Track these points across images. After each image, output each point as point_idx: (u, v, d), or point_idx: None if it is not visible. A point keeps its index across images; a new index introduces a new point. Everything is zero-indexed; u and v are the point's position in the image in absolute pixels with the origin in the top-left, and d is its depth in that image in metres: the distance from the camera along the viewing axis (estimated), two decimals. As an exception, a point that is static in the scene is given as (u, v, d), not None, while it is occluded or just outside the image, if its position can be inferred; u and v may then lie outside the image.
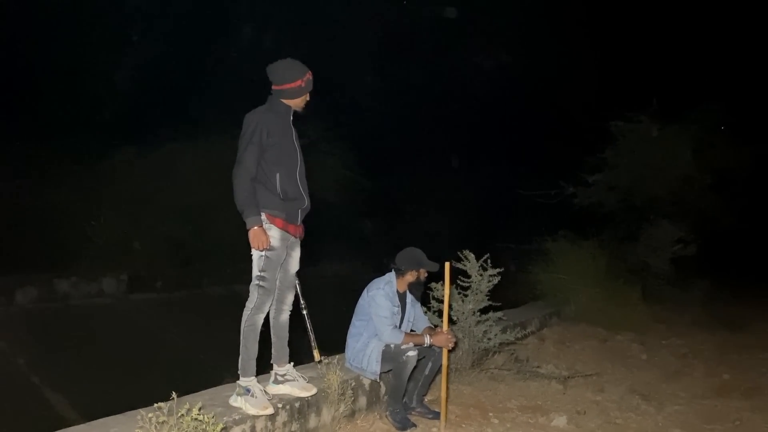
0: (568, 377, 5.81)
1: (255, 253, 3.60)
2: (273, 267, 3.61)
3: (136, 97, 16.29)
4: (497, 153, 20.76)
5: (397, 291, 4.40)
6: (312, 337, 4.02)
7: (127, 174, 13.83)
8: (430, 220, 17.60)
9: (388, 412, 4.29)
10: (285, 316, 3.85)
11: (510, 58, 20.28)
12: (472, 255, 5.49)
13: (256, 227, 3.48)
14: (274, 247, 3.58)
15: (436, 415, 4.39)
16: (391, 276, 4.42)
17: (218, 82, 17.60)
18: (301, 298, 3.91)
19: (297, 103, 3.74)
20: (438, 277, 4.79)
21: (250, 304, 3.61)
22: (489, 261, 5.49)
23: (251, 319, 3.61)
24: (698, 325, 9.07)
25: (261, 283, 3.59)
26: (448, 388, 4.33)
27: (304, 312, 3.94)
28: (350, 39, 20.45)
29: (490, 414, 4.73)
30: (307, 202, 3.72)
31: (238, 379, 3.61)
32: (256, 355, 3.63)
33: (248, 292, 3.63)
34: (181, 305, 12.40)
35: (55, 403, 8.59)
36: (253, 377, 3.59)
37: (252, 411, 3.43)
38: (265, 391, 3.64)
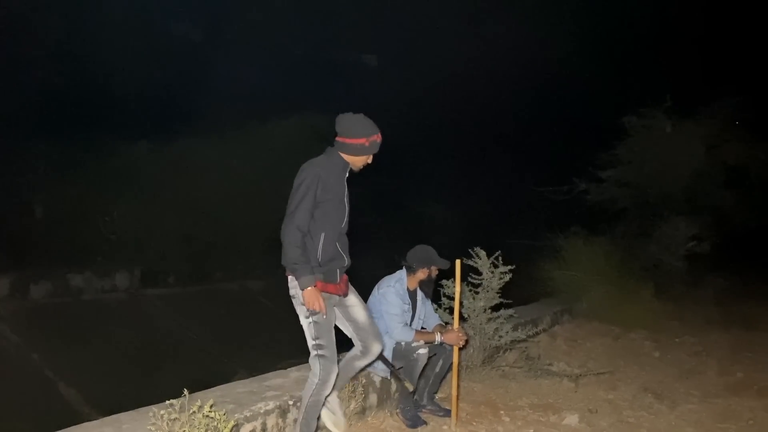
0: (580, 375, 5.78)
1: (303, 322, 3.38)
2: (326, 330, 3.36)
3: (150, 93, 16.37)
4: (509, 149, 20.66)
5: (408, 288, 4.40)
6: (393, 370, 3.97)
7: (141, 169, 13.91)
8: (441, 217, 17.56)
9: (398, 410, 4.29)
10: (361, 363, 3.64)
11: (521, 54, 20.15)
12: (484, 252, 5.47)
13: (310, 288, 3.23)
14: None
15: (447, 413, 4.38)
16: (402, 273, 4.42)
17: (232, 78, 17.64)
18: None
19: (355, 162, 3.50)
20: (449, 274, 4.78)
21: (314, 378, 3.33)
22: (500, 258, 5.46)
23: (317, 395, 3.35)
24: (712, 323, 8.98)
25: (320, 352, 3.32)
26: (459, 385, 4.31)
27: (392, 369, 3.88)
28: (358, 31, 20.46)
29: (501, 412, 4.71)
30: (347, 260, 3.50)
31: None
32: None
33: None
34: (193, 300, 12.47)
35: (68, 397, 8.68)
36: None
37: None
38: None
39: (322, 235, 3.35)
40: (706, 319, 9.22)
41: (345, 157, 3.47)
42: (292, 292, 3.39)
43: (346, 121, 3.47)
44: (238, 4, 20.01)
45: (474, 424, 4.41)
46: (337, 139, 3.49)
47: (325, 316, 3.33)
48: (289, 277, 3.38)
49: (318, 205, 3.32)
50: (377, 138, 3.47)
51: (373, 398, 4.37)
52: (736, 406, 5.27)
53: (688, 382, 5.99)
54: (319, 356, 3.32)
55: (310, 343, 3.35)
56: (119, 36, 16.28)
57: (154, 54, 16.97)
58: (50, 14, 15.54)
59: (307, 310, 3.28)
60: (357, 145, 3.44)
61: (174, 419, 2.87)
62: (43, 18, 15.52)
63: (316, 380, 3.32)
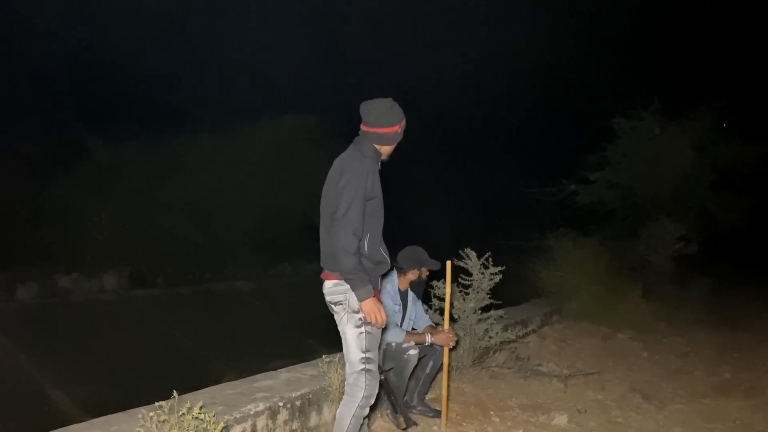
0: (569, 376, 5.80)
1: (352, 332, 3.04)
2: (376, 343, 3.10)
3: (138, 93, 16.30)
4: (498, 150, 20.73)
5: (399, 289, 4.40)
6: (394, 404, 3.80)
7: (129, 169, 13.83)
8: (431, 218, 17.56)
9: (388, 411, 4.29)
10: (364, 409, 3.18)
11: (511, 56, 20.23)
12: (474, 253, 5.48)
13: (369, 299, 2.92)
14: None
15: (437, 414, 4.39)
16: (392, 274, 4.41)
17: (221, 78, 17.60)
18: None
19: (387, 151, 3.21)
20: (439, 275, 4.79)
21: (357, 394, 3.04)
22: (490, 259, 5.47)
23: (361, 411, 3.08)
24: (699, 324, 9.06)
25: (368, 366, 3.03)
26: (449, 386, 4.32)
27: (382, 377, 3.45)
28: (350, 30, 20.46)
29: (491, 412, 4.73)
30: (390, 265, 3.24)
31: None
32: None
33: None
34: (182, 301, 12.40)
35: (56, 399, 8.60)
36: None
37: None
38: None
39: (368, 237, 3.04)
40: (693, 320, 9.30)
41: (378, 147, 3.17)
42: (336, 298, 3.06)
43: (377, 108, 3.15)
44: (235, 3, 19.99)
45: (464, 424, 4.42)
46: (366, 129, 3.16)
47: (378, 328, 3.05)
48: (331, 282, 3.07)
49: (365, 203, 3.00)
50: (405, 123, 3.22)
51: (363, 399, 4.36)
52: (723, 406, 5.31)
53: (675, 383, 6.04)
54: (366, 371, 3.04)
55: (358, 355, 3.03)
56: (110, 37, 16.20)
57: (144, 54, 16.88)
58: (43, 14, 15.45)
59: (359, 319, 3.00)
60: (391, 134, 3.16)
61: (163, 421, 2.85)
62: (34, 17, 15.42)
63: (361, 395, 3.04)
